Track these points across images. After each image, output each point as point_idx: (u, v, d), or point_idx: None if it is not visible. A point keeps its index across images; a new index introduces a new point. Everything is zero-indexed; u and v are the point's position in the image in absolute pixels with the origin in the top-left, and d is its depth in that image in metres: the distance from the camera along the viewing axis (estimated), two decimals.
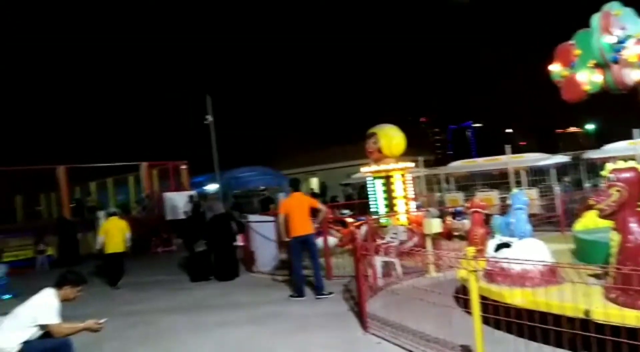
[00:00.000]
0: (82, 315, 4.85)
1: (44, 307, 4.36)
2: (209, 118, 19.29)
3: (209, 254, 10.10)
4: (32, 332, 4.27)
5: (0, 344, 4.17)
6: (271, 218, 10.83)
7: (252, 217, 11.16)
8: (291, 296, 7.59)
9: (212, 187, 21.64)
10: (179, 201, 16.23)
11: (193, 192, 16.37)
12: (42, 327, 4.31)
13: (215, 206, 10.59)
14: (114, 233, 10.28)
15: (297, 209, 7.58)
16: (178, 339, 6.03)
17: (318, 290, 7.46)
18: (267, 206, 14.54)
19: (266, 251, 10.23)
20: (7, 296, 9.33)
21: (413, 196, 10.93)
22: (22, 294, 8.57)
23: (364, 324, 5.63)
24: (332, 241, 9.71)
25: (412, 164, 11.40)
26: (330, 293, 7.42)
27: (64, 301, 4.51)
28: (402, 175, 10.55)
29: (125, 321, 6.89)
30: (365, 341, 5.24)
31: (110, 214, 11.15)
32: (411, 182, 10.91)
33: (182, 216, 13.78)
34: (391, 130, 10.82)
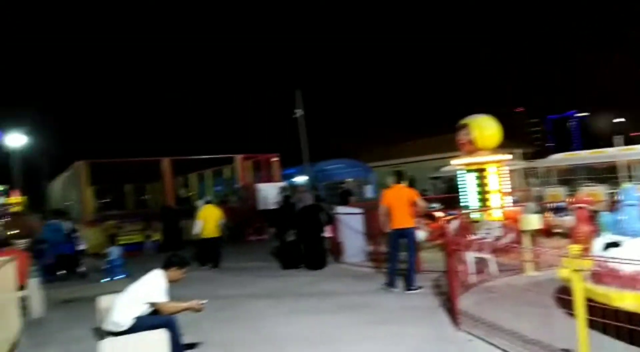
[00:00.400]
0: (184, 295, 5.24)
1: (153, 286, 4.78)
2: (299, 112, 19.75)
3: (298, 243, 10.39)
4: (143, 309, 4.70)
5: (116, 318, 4.63)
6: (359, 210, 10.91)
7: (340, 209, 11.28)
8: (385, 286, 7.55)
9: (301, 179, 22.20)
10: (270, 192, 16.86)
11: (284, 184, 16.91)
12: (151, 304, 4.73)
13: (305, 197, 10.85)
14: (209, 219, 11.39)
15: (398, 201, 7.53)
16: (269, 322, 6.29)
17: (409, 284, 7.38)
18: (345, 198, 14.61)
19: (354, 243, 10.32)
20: (121, 276, 10.30)
21: (509, 190, 10.39)
22: (134, 275, 9.45)
23: (455, 321, 5.48)
24: (421, 235, 9.54)
25: (509, 157, 10.82)
26: (420, 287, 7.31)
27: (171, 281, 4.91)
28: (497, 168, 10.06)
29: (220, 303, 7.30)
30: (457, 338, 5.11)
31: (206, 202, 12.39)
32: (507, 175, 10.38)
33: (274, 206, 14.32)
34: (485, 121, 10.35)
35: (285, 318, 6.43)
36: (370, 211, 10.67)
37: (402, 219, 7.46)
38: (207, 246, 11.50)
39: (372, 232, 9.85)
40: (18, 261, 6.93)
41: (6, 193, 33.63)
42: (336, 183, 23.35)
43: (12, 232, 12.55)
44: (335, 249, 10.82)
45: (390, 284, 7.50)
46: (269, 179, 19.47)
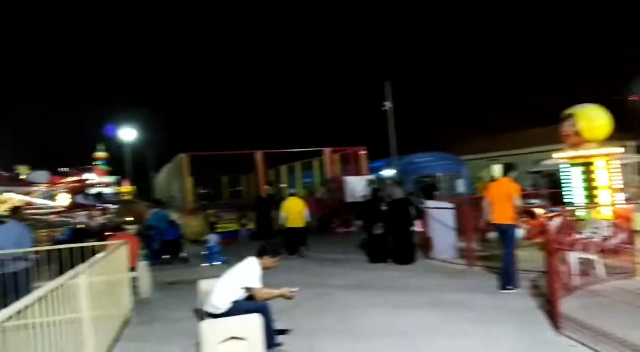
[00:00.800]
0: (276, 282, 5.43)
1: (248, 272, 5.01)
2: (388, 104, 19.51)
3: (386, 237, 10.31)
4: (239, 294, 4.96)
5: (215, 301, 4.93)
6: (450, 205, 10.57)
7: (430, 203, 11.01)
8: (503, 289, 6.99)
9: (388, 172, 21.99)
10: (358, 185, 16.90)
11: (371, 177, 16.85)
12: (246, 289, 4.96)
13: (395, 190, 10.72)
14: (293, 211, 12.03)
15: (499, 195, 7.19)
16: (358, 313, 6.33)
17: (505, 283, 7.02)
18: (429, 193, 14.17)
19: (444, 238, 10.03)
20: (219, 262, 10.93)
21: (620, 187, 9.48)
22: (230, 261, 9.98)
23: (556, 324, 5.13)
24: (518, 232, 9.03)
25: (621, 150, 9.85)
26: (516, 287, 6.93)
27: (264, 268, 5.12)
28: (607, 162, 9.21)
29: (309, 292, 7.47)
30: (557, 342, 4.78)
31: (290, 195, 13.04)
32: (618, 170, 9.47)
33: (361, 199, 14.35)
34: (593, 110, 9.51)
35: (374, 311, 6.43)
36: (462, 206, 10.30)
37: (501, 214, 7.09)
38: (293, 235, 12.07)
39: (464, 228, 9.50)
40: (130, 245, 7.60)
41: (118, 183, 37.07)
42: (425, 176, 22.84)
43: (123, 218, 13.74)
44: (425, 244, 10.60)
45: (508, 284, 7.02)
46: (357, 172, 19.52)
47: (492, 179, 19.93)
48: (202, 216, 16.40)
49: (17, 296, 6.64)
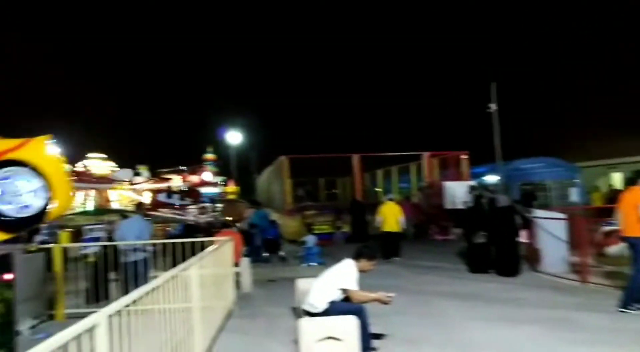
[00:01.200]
0: (372, 286, 5.41)
1: (345, 274, 5.06)
2: (493, 106, 18.56)
3: (488, 246, 9.81)
4: (336, 295, 5.02)
5: (313, 301, 5.03)
6: (562, 215, 9.79)
7: (539, 213, 10.28)
8: (624, 308, 6.34)
9: (492, 178, 20.90)
10: (458, 191, 16.27)
11: (473, 183, 16.14)
12: (343, 291, 5.01)
13: (500, 197, 10.17)
14: (389, 215, 12.15)
15: (627, 205, 6.51)
16: (458, 325, 6.08)
17: (627, 301, 6.32)
18: (529, 201, 13.12)
19: (554, 251, 9.29)
20: (317, 262, 11.16)
21: None
22: (326, 262, 10.15)
23: None
24: None
25: None
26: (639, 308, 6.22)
27: (361, 271, 5.13)
28: None
29: (406, 299, 7.32)
30: None
31: (388, 199, 13.15)
32: None
33: (461, 206, 13.82)
34: None
35: (475, 323, 6.14)
36: (576, 216, 9.49)
37: (629, 226, 6.40)
38: (389, 239, 12.08)
39: (578, 240, 8.74)
40: (234, 242, 8.05)
41: (224, 183, 39.42)
42: (529, 184, 21.37)
43: (228, 217, 14.55)
44: (531, 256, 9.91)
45: (630, 302, 6.36)
46: (457, 177, 18.83)
47: (613, 189, 18.15)
48: (300, 217, 16.87)
49: (137, 283, 7.37)
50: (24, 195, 4.77)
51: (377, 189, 24.47)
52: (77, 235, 14.55)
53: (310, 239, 11.75)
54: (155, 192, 25.94)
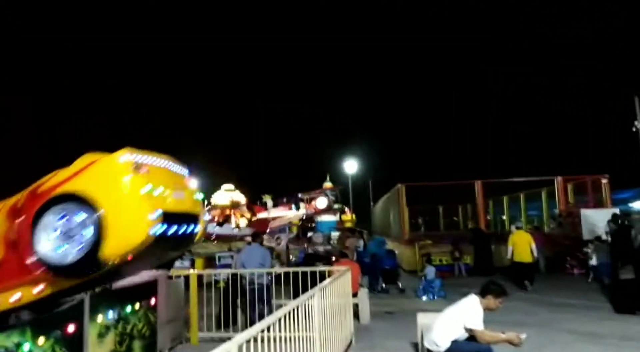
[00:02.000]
0: (499, 323, 5.02)
1: (469, 312, 4.77)
2: (638, 124, 16.57)
3: (638, 283, 8.62)
4: (460, 333, 4.75)
5: (435, 338, 4.82)
6: None
7: None
8: None
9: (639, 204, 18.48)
10: (598, 219, 14.62)
11: (616, 210, 14.47)
12: (468, 330, 4.72)
13: None
14: (520, 244, 11.60)
15: None
16: None
17: None
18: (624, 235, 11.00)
19: None
20: (438, 296, 10.69)
21: None
22: (448, 296, 9.70)
23: None
24: None
25: None
26: None
27: (486, 309, 4.80)
28: None
29: (540, 340, 6.67)
30: None
31: (517, 228, 12.74)
32: None
33: (603, 237, 12.44)
34: None
35: None
36: None
37: None
38: (519, 270, 11.46)
39: None
40: (352, 271, 8.07)
41: (342, 211, 39.96)
42: None
43: (345, 245, 14.57)
44: None
45: None
46: (597, 204, 16.96)
47: None
48: (418, 246, 16.42)
49: (261, 308, 7.73)
50: (78, 234, 3.83)
51: (502, 217, 22.99)
52: (210, 261, 15.79)
53: (430, 271, 11.34)
54: (275, 219, 27.09)
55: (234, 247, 17.24)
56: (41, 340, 3.89)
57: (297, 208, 25.87)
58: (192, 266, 15.07)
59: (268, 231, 24.15)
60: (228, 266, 13.14)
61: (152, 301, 5.67)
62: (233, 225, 23.97)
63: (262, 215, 26.70)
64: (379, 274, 12.24)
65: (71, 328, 4.29)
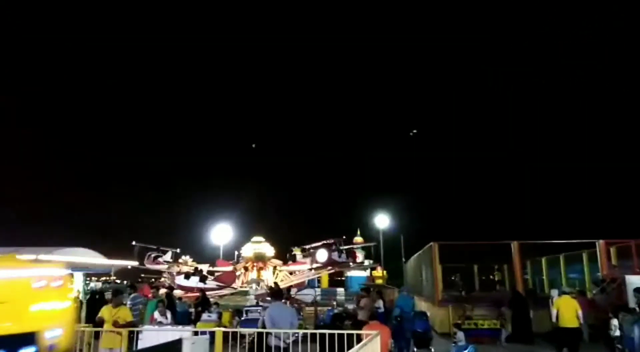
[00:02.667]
0: None
1: None
2: None
3: None
4: None
5: None
6: None
7: None
8: None
9: None
10: None
11: None
12: None
13: None
14: (566, 309, 10.95)
15: None
16: None
17: None
18: None
19: None
20: None
21: None
22: None
23: None
24: None
25: None
26: None
27: None
28: None
29: None
30: None
31: (563, 293, 12.04)
32: None
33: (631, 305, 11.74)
34: None
35: None
36: None
37: None
38: (563, 337, 10.79)
39: None
40: (382, 335, 7.77)
41: (372, 268, 39.20)
42: None
43: (360, 306, 13.79)
44: None
45: None
46: None
47: None
48: (452, 307, 15.78)
49: None
50: None
51: (542, 278, 21.98)
52: (238, 314, 15.60)
53: (460, 336, 10.75)
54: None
55: (261, 302, 17.04)
56: None
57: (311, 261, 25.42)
58: (219, 318, 14.92)
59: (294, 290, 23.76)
60: (255, 320, 12.94)
61: None
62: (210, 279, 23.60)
63: (286, 268, 26.46)
64: (409, 336, 11.72)
65: None
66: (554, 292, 13.88)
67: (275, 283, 21.90)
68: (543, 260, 21.87)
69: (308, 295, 24.26)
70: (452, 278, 25.73)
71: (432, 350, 11.69)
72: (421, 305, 19.44)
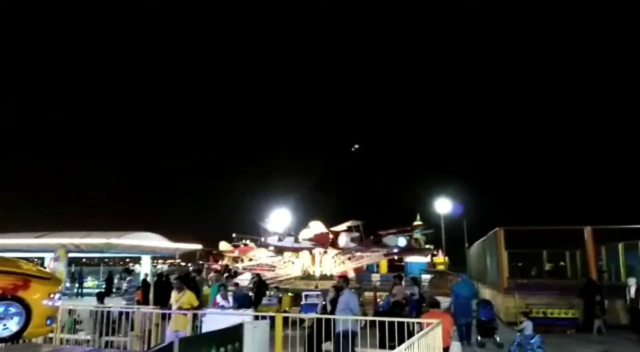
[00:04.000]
0: None
1: None
2: None
3: None
4: None
5: None
6: None
7: None
8: None
9: None
10: None
11: None
12: None
13: None
14: None
15: None
16: None
17: None
18: None
19: None
20: None
21: None
22: None
23: None
24: None
25: None
26: None
27: None
28: None
29: None
30: None
31: None
32: None
33: None
34: None
35: None
36: None
37: None
38: None
39: None
40: (444, 323, 7.52)
41: (433, 254, 38.44)
42: None
43: (392, 293, 13.38)
44: None
45: None
46: None
47: None
48: (518, 295, 15.08)
49: None
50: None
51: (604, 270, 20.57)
52: (297, 298, 15.80)
53: (528, 326, 10.22)
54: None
55: (320, 286, 17.14)
56: None
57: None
58: (279, 302, 15.17)
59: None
60: (314, 305, 13.01)
61: (238, 345, 5.68)
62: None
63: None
64: (462, 322, 11.28)
65: None
66: (631, 281, 12.93)
67: (344, 273, 22.08)
68: (620, 246, 20.41)
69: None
70: (519, 264, 24.71)
71: (497, 339, 11.22)
72: (485, 293, 18.80)
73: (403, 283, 13.67)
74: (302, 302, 14.19)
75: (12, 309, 6.27)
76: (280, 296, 15.40)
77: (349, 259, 25.55)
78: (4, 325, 6.26)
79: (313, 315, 9.59)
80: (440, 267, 34.72)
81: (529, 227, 17.65)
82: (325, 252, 24.45)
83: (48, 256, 17.39)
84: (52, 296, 6.67)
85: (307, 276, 23.38)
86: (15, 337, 6.36)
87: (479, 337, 11.35)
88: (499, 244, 16.72)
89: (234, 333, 5.72)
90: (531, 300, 14.55)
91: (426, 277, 26.27)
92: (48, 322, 6.69)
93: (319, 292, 14.32)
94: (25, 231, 17.39)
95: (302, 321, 10.01)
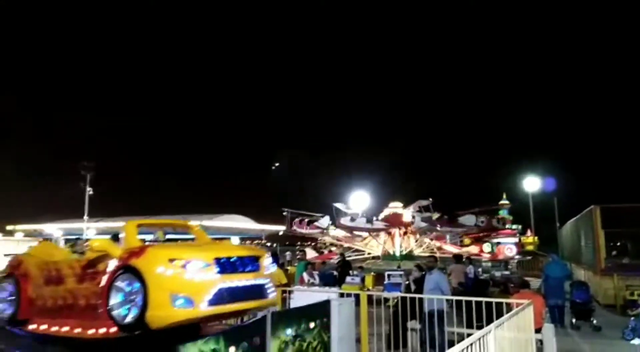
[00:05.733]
0: None
1: None
2: None
3: None
4: None
5: None
6: None
7: None
8: None
9: None
10: None
11: None
12: None
13: None
14: None
15: None
16: None
17: None
18: None
19: None
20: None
21: None
22: None
23: None
24: None
25: None
26: None
27: None
28: None
29: None
30: None
31: None
32: None
33: None
34: None
35: None
36: None
37: None
38: None
39: None
40: (535, 304, 7.27)
41: (521, 232, 36.68)
42: None
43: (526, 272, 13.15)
44: None
45: None
46: None
47: None
48: (617, 276, 14.07)
49: (433, 334, 7.53)
50: (134, 300, 4.59)
51: None
52: (378, 278, 15.94)
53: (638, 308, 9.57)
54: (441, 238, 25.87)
55: (402, 265, 17.13)
56: (232, 349, 4.34)
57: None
58: (362, 281, 15.38)
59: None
60: (398, 284, 13.08)
61: (326, 320, 5.91)
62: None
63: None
64: (552, 303, 10.81)
65: (256, 341, 4.71)
66: None
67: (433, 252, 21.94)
68: None
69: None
70: (617, 244, 22.94)
71: (595, 322, 10.63)
72: (580, 274, 17.76)
73: (461, 264, 13.58)
74: (385, 282, 14.30)
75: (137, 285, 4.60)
76: (363, 275, 15.60)
77: (431, 239, 25.08)
78: (127, 308, 4.62)
79: (397, 293, 9.68)
80: (529, 248, 33.13)
81: (628, 204, 16.25)
82: (405, 233, 24.17)
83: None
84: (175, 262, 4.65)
85: (388, 256, 23.35)
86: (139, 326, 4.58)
87: (574, 320, 10.82)
88: (595, 222, 15.65)
89: (322, 309, 5.95)
90: (632, 281, 13.53)
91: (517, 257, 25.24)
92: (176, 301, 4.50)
93: (401, 272, 14.36)
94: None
95: (385, 300, 10.13)
